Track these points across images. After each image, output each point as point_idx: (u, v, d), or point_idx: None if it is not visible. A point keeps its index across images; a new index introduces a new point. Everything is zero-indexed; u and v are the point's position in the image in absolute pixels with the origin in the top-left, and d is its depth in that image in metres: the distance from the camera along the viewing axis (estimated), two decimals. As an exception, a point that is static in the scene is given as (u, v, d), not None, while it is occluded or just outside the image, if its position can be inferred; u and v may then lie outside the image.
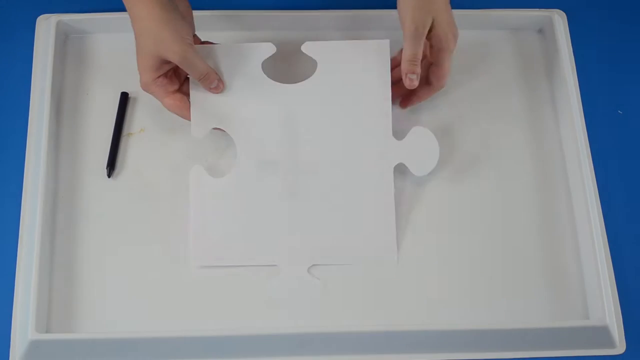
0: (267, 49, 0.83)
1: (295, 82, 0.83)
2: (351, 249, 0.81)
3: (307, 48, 0.83)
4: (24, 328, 0.76)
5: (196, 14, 0.84)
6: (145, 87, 0.79)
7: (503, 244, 0.83)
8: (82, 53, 0.90)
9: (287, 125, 0.82)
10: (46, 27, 0.89)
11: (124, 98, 0.87)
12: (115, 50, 0.90)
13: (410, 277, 0.81)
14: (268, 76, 0.83)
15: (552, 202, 0.85)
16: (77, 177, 0.84)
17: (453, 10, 0.84)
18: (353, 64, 0.83)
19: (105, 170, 0.84)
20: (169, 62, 0.78)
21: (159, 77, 0.79)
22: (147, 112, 0.88)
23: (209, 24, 0.89)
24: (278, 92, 0.82)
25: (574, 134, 0.85)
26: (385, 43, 0.83)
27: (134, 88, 0.88)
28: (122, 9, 0.90)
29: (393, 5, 0.81)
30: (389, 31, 0.87)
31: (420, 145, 0.83)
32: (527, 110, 0.90)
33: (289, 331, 0.77)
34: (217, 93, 0.81)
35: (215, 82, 0.80)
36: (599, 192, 0.84)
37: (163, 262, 0.81)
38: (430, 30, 0.78)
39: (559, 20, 0.91)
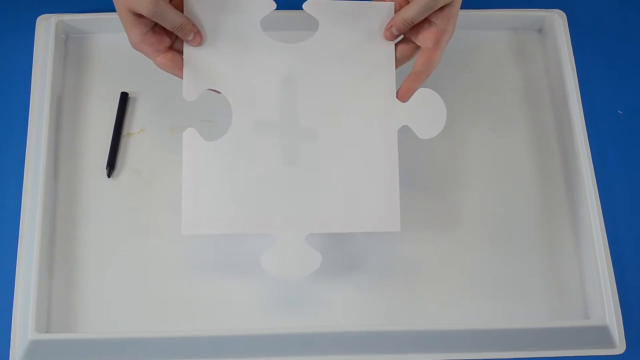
0: (267, 5, 0.78)
1: (296, 42, 0.79)
2: (351, 217, 0.76)
3: (309, 7, 0.79)
4: (24, 328, 0.76)
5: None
6: (135, 47, 0.76)
7: (503, 244, 0.83)
8: (82, 53, 0.90)
9: (286, 87, 0.78)
10: (46, 27, 0.89)
11: (124, 98, 0.87)
12: (115, 50, 0.90)
13: (410, 277, 0.81)
14: (267, 34, 0.79)
15: (552, 202, 0.85)
16: (77, 177, 0.84)
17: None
18: (356, 25, 0.79)
19: (105, 170, 0.84)
20: (145, 17, 0.74)
21: (146, 34, 0.75)
22: (147, 112, 0.88)
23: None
24: (277, 51, 0.78)
25: (574, 134, 0.85)
26: (391, 6, 0.79)
27: (134, 88, 0.88)
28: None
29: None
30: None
31: (426, 107, 0.77)
32: (526, 110, 0.90)
33: (289, 331, 0.77)
34: (195, 46, 0.77)
35: (191, 34, 0.76)
36: (599, 192, 0.84)
37: (163, 262, 0.81)
38: (442, 9, 0.75)
39: (559, 20, 0.91)
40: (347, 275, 0.81)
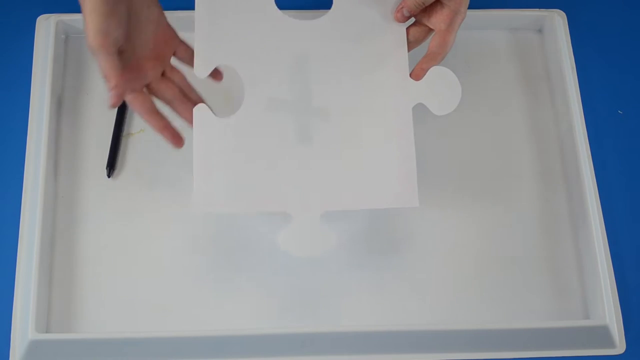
0: None
1: (310, 20, 0.78)
2: (368, 194, 0.75)
3: None
4: (24, 328, 0.76)
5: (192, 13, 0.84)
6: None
7: (503, 244, 0.83)
8: (82, 53, 0.90)
9: (300, 65, 0.76)
10: (46, 27, 0.89)
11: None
12: (115, 50, 0.90)
13: (410, 277, 0.81)
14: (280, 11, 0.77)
15: (552, 202, 0.85)
16: (77, 177, 0.84)
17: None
18: (371, 5, 0.78)
19: (105, 170, 0.84)
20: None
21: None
22: (147, 112, 0.88)
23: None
24: (291, 28, 0.77)
25: (574, 134, 0.85)
26: None
27: (134, 88, 0.88)
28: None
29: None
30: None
31: (440, 84, 0.77)
32: (527, 110, 0.90)
33: (289, 331, 0.77)
34: (111, 107, 0.71)
35: (110, 93, 0.69)
36: (599, 192, 0.84)
37: (163, 262, 0.81)
38: None
39: (559, 20, 0.91)
40: (347, 276, 0.81)
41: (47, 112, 0.84)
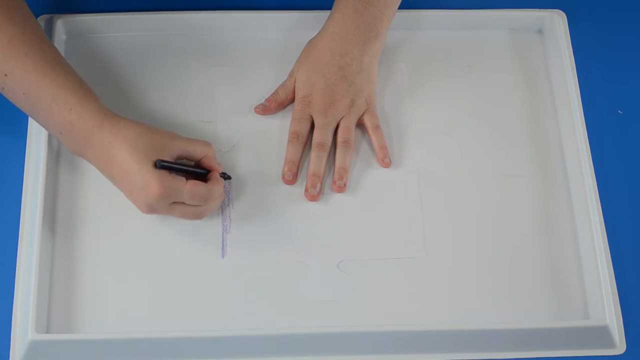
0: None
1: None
2: (380, 246, 0.82)
3: None
4: (24, 328, 0.76)
5: (199, 14, 0.83)
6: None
7: (503, 244, 0.83)
8: (82, 53, 0.90)
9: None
10: (47, 27, 0.89)
11: None
12: (115, 50, 0.90)
13: (410, 277, 0.81)
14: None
15: (552, 202, 0.85)
16: (77, 177, 0.84)
17: (454, 10, 0.85)
18: None
19: None
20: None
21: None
22: (147, 112, 0.87)
23: (213, 24, 0.89)
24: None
25: (574, 134, 0.85)
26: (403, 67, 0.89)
27: (133, 88, 0.88)
28: (122, 9, 0.90)
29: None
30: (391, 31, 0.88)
31: (442, 152, 0.86)
32: (527, 110, 0.90)
33: (290, 331, 0.77)
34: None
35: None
36: (599, 192, 0.84)
37: (163, 262, 0.81)
38: None
39: (559, 20, 0.91)
40: (346, 277, 0.81)
41: (47, 112, 0.84)
